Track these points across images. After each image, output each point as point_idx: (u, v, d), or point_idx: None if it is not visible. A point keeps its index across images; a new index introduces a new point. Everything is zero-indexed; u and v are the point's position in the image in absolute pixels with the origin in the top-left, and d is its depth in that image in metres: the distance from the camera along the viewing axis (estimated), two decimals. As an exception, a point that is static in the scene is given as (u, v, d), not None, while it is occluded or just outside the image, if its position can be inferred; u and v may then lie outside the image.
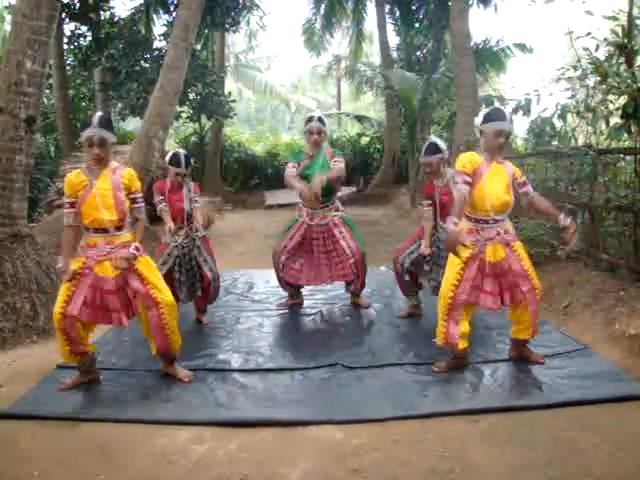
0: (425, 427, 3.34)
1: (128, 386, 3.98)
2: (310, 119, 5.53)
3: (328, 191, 5.45)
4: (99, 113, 3.94)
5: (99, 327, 5.35)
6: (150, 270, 3.93)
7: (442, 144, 5.20)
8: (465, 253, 3.93)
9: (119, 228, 3.84)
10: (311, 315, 5.65)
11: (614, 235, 5.99)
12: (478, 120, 4.05)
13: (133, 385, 4.00)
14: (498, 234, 3.97)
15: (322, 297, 6.21)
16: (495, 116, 3.93)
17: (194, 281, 5.31)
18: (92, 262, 3.81)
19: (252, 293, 6.63)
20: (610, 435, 3.16)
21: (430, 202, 5.20)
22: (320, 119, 5.50)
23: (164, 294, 3.89)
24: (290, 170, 5.51)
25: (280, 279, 5.79)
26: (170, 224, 4.99)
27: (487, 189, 3.89)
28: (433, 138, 5.35)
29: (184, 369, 4.11)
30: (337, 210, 5.64)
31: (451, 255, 3.99)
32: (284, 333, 5.14)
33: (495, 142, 3.89)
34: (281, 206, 15.92)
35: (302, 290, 6.10)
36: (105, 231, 3.82)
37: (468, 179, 3.86)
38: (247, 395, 3.82)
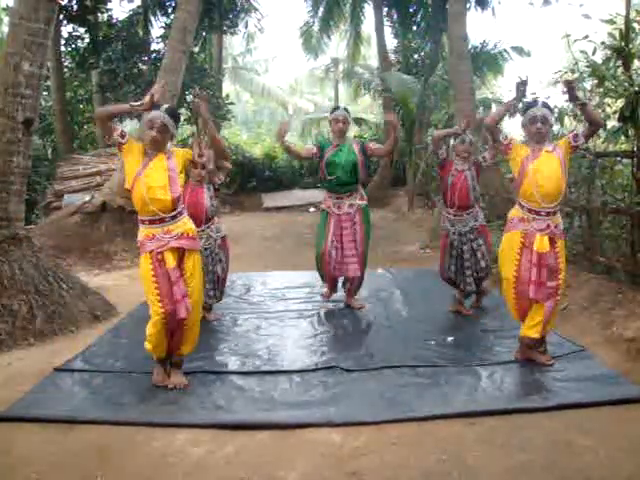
0: (423, 430, 3.33)
1: (126, 388, 3.97)
2: (336, 108, 5.83)
3: (353, 179, 5.59)
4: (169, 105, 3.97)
5: (96, 329, 5.38)
6: (194, 267, 3.92)
7: None
8: (518, 243, 4.07)
9: (174, 217, 3.80)
10: (309, 317, 5.64)
11: (611, 238, 6.01)
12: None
13: (131, 387, 3.98)
14: (548, 226, 4.02)
15: (319, 299, 6.20)
16: (528, 105, 4.11)
17: (212, 282, 5.42)
18: (157, 255, 3.78)
19: (249, 295, 6.62)
20: (608, 438, 3.16)
21: (443, 153, 5.43)
22: (346, 109, 5.73)
23: (194, 295, 3.89)
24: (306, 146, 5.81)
25: (326, 273, 5.81)
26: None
27: (535, 180, 3.96)
28: None
29: (180, 376, 4.02)
30: (362, 199, 5.70)
31: (504, 247, 4.18)
32: (281, 335, 5.12)
33: (532, 128, 4.01)
34: (279, 209, 15.94)
35: (300, 293, 6.11)
36: (161, 221, 3.78)
37: (505, 138, 4.14)
38: (245, 397, 3.81)
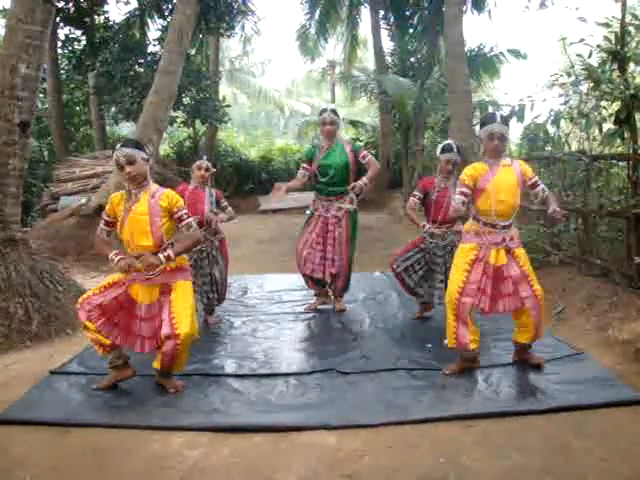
0: (419, 432, 3.33)
1: (122, 391, 3.96)
2: (323, 110, 5.71)
3: (343, 181, 5.59)
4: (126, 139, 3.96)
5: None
6: (183, 298, 3.84)
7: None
8: (470, 255, 4.03)
9: (156, 254, 3.78)
10: (305, 320, 5.64)
11: (607, 240, 6.01)
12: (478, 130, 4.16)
13: (127, 390, 3.97)
14: (504, 240, 4.02)
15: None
16: (485, 120, 4.06)
17: (210, 284, 5.43)
18: (130, 282, 3.83)
19: (246, 298, 6.62)
20: (603, 440, 3.17)
21: (418, 194, 5.38)
22: (333, 110, 5.65)
23: (185, 326, 3.76)
24: (298, 175, 5.78)
25: (303, 276, 5.88)
26: None
27: (493, 195, 3.95)
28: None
29: (176, 380, 4.02)
30: (351, 202, 5.69)
31: (457, 257, 4.14)
32: (278, 338, 5.12)
33: (489, 145, 3.98)
34: (275, 211, 15.94)
35: (296, 296, 6.09)
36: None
37: (465, 190, 3.99)
38: (241, 400, 3.80)
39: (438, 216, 5.28)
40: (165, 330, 3.75)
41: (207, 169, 5.35)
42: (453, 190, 5.19)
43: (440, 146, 5.32)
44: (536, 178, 4.16)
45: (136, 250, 3.79)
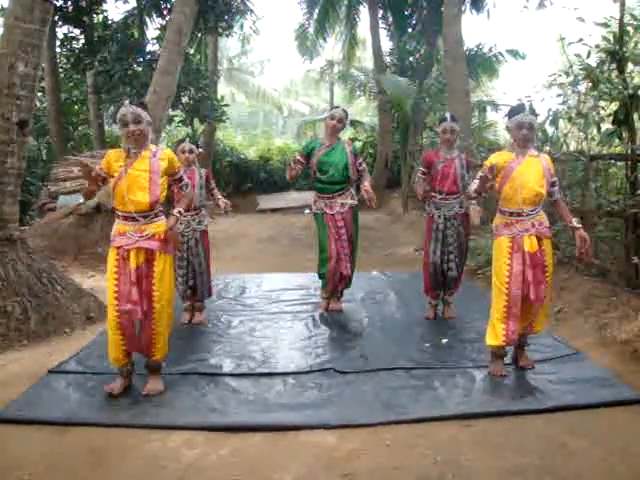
0: (417, 432, 3.33)
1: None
2: (336, 107, 5.85)
3: (345, 178, 5.62)
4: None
5: (90, 331, 5.37)
6: (164, 270, 3.84)
7: None
8: (507, 248, 4.03)
9: (148, 217, 3.79)
10: (303, 319, 5.64)
11: (605, 240, 6.02)
12: (506, 121, 4.17)
13: (125, 389, 3.97)
14: (533, 225, 4.02)
15: (314, 301, 6.20)
16: (515, 110, 4.06)
17: (187, 272, 5.43)
18: (123, 252, 3.76)
19: (244, 297, 6.62)
20: (601, 440, 3.17)
21: (422, 169, 5.46)
22: (345, 110, 5.71)
23: (162, 300, 3.81)
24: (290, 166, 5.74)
25: (331, 279, 5.75)
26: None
27: (518, 182, 3.95)
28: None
29: (157, 383, 3.96)
30: (352, 198, 5.71)
31: (495, 253, 4.14)
32: (276, 337, 5.12)
33: (518, 134, 3.98)
34: (273, 210, 15.96)
35: (294, 295, 6.07)
36: (134, 219, 3.77)
37: (482, 175, 4.02)
38: (239, 400, 3.80)
39: (444, 187, 5.32)
40: (145, 305, 3.76)
41: (191, 151, 5.35)
42: (459, 163, 5.27)
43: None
44: (556, 178, 4.17)
45: (128, 206, 3.74)
